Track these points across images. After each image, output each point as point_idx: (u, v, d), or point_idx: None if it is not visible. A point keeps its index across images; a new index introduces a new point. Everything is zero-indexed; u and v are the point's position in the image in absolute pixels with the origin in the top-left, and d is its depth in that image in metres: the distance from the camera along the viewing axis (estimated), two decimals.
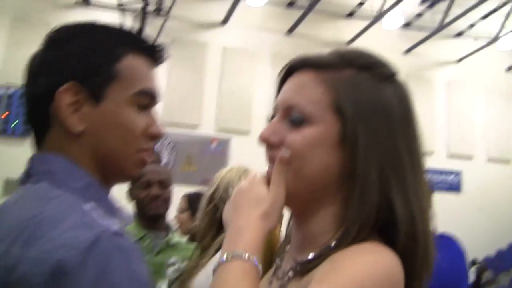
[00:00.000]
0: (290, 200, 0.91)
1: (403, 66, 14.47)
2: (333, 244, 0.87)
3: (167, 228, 2.71)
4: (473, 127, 15.44)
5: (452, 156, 14.66)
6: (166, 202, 2.67)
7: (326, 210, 0.91)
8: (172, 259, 2.57)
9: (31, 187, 0.93)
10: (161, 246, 2.61)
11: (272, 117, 0.96)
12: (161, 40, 12.02)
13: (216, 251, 2.04)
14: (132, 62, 1.01)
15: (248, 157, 13.17)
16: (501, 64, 16.02)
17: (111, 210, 0.98)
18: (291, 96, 0.93)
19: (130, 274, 0.81)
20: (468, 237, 13.04)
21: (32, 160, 0.98)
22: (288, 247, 1.01)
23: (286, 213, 1.00)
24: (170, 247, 2.63)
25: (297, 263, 0.91)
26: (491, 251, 14.74)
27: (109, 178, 1.01)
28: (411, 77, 14.78)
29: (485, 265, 13.94)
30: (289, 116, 0.92)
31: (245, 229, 0.87)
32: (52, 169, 0.95)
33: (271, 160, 0.92)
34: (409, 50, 14.94)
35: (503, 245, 15.24)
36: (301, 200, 0.92)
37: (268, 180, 0.92)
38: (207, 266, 2.02)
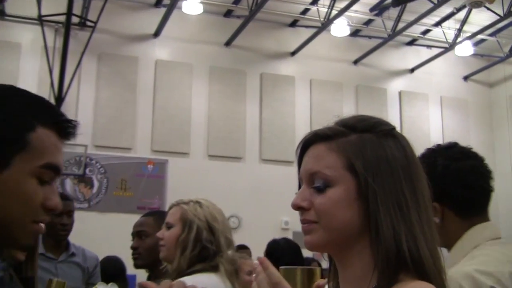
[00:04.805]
0: (326, 248, 1.19)
1: (352, 77, 14.20)
2: (375, 285, 1.08)
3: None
4: (429, 140, 14.87)
5: None
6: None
7: (361, 253, 1.13)
8: None
9: None
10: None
11: (299, 185, 1.22)
12: (87, 55, 11.31)
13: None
14: (42, 135, 1.09)
15: (187, 179, 12.54)
16: (458, 73, 15.54)
17: None
18: (311, 166, 1.18)
19: None
20: None
21: None
22: None
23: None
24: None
25: None
26: None
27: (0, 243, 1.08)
28: (361, 88, 14.40)
29: None
30: (313, 182, 1.17)
31: None
32: None
33: (303, 221, 1.17)
34: (359, 60, 14.34)
35: None
36: (336, 248, 1.16)
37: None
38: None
